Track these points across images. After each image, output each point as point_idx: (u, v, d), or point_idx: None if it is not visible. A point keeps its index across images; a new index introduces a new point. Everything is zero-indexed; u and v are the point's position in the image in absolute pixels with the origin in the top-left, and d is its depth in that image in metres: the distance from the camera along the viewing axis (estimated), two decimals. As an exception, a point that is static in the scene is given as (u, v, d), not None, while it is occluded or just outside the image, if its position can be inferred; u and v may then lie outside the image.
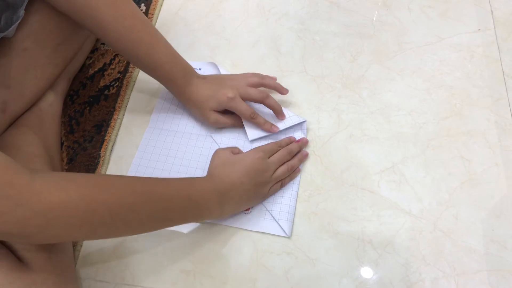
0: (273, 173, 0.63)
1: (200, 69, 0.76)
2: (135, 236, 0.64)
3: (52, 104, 0.70)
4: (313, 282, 0.60)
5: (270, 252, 0.62)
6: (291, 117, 0.71)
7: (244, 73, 0.72)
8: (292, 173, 0.67)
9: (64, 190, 0.43)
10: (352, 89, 0.77)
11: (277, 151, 0.65)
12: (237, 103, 0.67)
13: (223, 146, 0.70)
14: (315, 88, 0.77)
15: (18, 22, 0.61)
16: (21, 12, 0.60)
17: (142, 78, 0.80)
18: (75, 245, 0.63)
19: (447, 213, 0.64)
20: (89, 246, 0.64)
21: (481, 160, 0.68)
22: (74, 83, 0.78)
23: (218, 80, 0.70)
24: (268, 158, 0.63)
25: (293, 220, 0.64)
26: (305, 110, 0.75)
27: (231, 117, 0.69)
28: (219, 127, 0.71)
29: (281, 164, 0.64)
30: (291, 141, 0.68)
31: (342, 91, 0.77)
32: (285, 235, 0.63)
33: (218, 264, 0.62)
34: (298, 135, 0.71)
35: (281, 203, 0.65)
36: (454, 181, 0.67)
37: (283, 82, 0.77)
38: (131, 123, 0.74)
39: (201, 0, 0.90)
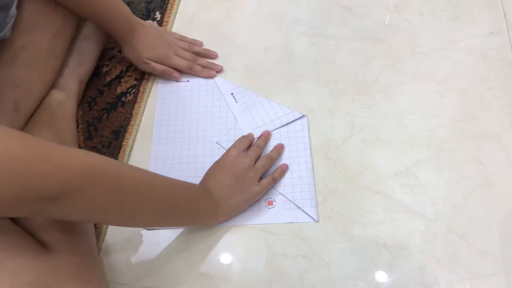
0: (254, 165, 0.66)
1: (188, 81, 0.81)
2: (154, 239, 0.65)
3: (62, 102, 0.72)
4: (328, 285, 0.60)
5: (285, 255, 0.63)
6: (286, 114, 0.74)
7: (173, 33, 0.84)
8: (281, 169, 0.69)
9: (94, 156, 0.45)
10: (365, 93, 0.77)
11: (248, 145, 0.70)
12: (173, 59, 0.78)
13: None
14: (328, 92, 0.78)
15: (12, 21, 0.62)
16: (13, 11, 0.62)
17: (158, 85, 0.81)
18: (97, 241, 0.64)
19: (462, 216, 0.64)
20: (109, 248, 0.65)
21: (496, 163, 0.68)
22: (91, 90, 0.80)
23: (156, 32, 0.79)
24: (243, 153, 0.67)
25: (317, 204, 0.66)
26: (318, 114, 0.75)
27: (161, 66, 0.78)
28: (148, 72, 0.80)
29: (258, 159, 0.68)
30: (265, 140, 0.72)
31: (355, 95, 0.77)
32: (314, 221, 0.64)
33: (234, 267, 0.63)
34: (300, 140, 0.72)
35: (302, 191, 0.67)
36: (469, 184, 0.67)
37: (296, 86, 0.78)
38: (148, 129, 0.76)
39: (214, 8, 0.91)
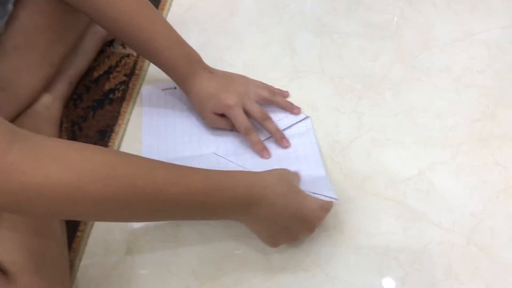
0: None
1: (175, 88, 0.73)
2: (138, 250, 0.60)
3: (49, 107, 0.68)
4: (333, 303, 0.55)
5: (285, 268, 0.58)
6: (288, 116, 0.69)
7: (256, 81, 0.70)
8: None
9: (43, 170, 0.37)
10: (374, 90, 0.74)
11: None
12: (236, 112, 0.64)
13: (231, 158, 0.66)
14: (333, 89, 0.74)
15: (7, 17, 0.59)
16: (10, 6, 0.59)
17: (149, 81, 0.77)
18: (74, 259, 0.59)
19: (482, 226, 0.60)
20: (89, 260, 0.60)
21: (519, 167, 0.65)
22: (78, 87, 0.75)
23: (226, 79, 0.67)
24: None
25: (331, 183, 0.61)
26: (322, 112, 0.72)
27: (229, 121, 0.66)
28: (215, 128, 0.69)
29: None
30: None
31: (363, 92, 0.74)
32: (336, 201, 0.58)
33: (227, 282, 0.58)
34: (306, 140, 0.67)
35: (311, 176, 0.61)
36: (489, 189, 0.63)
37: (298, 83, 0.75)
38: (136, 129, 0.71)
39: (212, -1, 0.88)
